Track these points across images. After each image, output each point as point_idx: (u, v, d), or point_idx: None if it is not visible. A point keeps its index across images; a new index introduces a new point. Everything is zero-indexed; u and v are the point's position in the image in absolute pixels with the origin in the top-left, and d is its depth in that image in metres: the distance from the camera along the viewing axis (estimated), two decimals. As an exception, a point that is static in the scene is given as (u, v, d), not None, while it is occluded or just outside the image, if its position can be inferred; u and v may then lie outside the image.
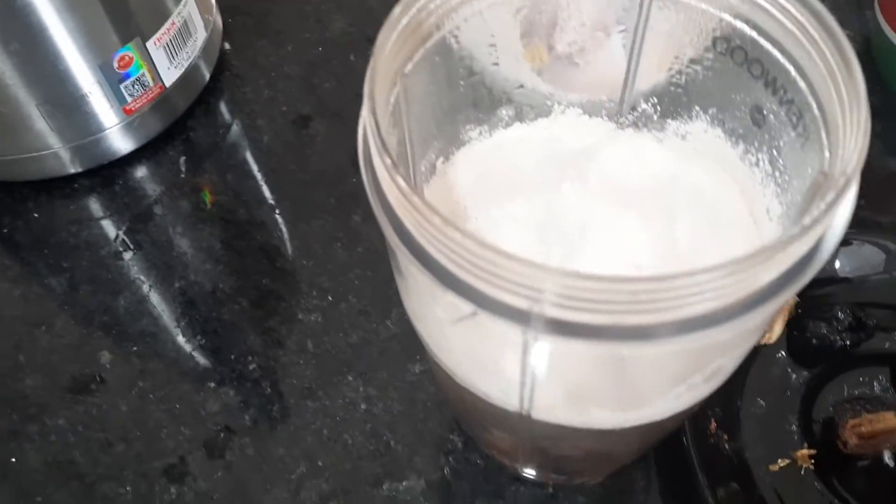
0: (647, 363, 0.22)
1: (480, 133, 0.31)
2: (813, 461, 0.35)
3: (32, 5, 0.40)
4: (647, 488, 0.36)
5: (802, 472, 0.35)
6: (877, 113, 0.42)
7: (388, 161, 0.20)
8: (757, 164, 0.28)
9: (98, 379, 0.41)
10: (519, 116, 0.31)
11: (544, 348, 0.21)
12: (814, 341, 0.38)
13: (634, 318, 0.19)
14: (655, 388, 0.23)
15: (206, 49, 0.50)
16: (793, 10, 0.23)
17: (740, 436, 0.36)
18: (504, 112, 0.31)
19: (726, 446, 0.35)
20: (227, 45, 0.54)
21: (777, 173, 0.27)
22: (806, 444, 0.36)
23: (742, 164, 0.28)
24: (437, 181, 0.30)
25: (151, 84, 0.46)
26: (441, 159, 0.31)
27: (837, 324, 0.38)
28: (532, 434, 0.27)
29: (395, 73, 0.24)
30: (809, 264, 0.20)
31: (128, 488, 0.38)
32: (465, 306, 0.20)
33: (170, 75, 0.47)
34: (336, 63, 0.53)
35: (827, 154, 0.23)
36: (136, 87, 0.46)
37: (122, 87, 0.45)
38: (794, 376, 0.38)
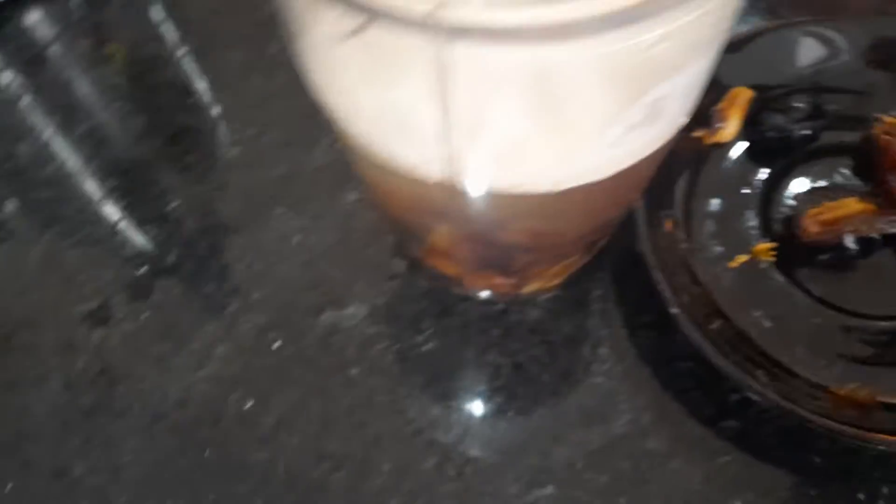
0: (574, 89, 0.19)
1: None
2: (774, 255, 0.33)
3: None
4: (605, 297, 0.34)
5: (762, 266, 0.33)
6: None
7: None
8: None
9: (5, 230, 0.37)
10: None
11: (458, 66, 0.18)
12: (771, 134, 0.35)
13: (555, 11, 0.16)
14: (588, 128, 0.20)
15: None
16: None
17: (697, 235, 0.34)
18: None
19: (682, 246, 0.33)
20: None
21: None
22: (767, 240, 0.34)
23: None
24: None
25: None
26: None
27: (795, 113, 0.35)
28: (466, 217, 0.24)
29: None
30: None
31: (48, 335, 0.35)
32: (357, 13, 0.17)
33: None
34: None
35: None
36: None
37: None
38: (752, 173, 0.35)
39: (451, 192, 0.23)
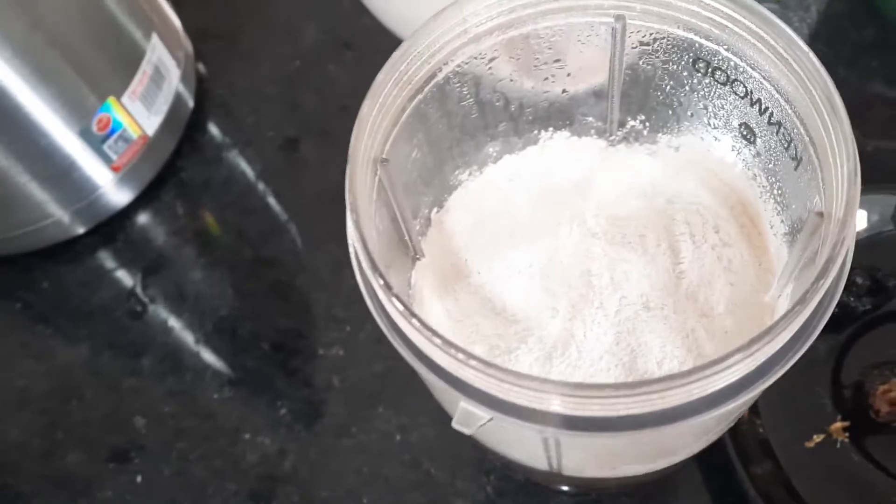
0: (665, 440, 0.22)
1: (470, 174, 0.31)
2: (847, 433, 0.35)
3: (8, 87, 0.39)
4: (689, 480, 0.37)
5: (839, 446, 0.35)
6: (874, 47, 0.41)
7: (382, 283, 0.20)
8: (755, 179, 0.27)
9: (137, 446, 0.42)
10: (507, 149, 0.31)
11: (563, 440, 0.21)
12: (835, 311, 0.37)
13: (650, 405, 0.19)
14: (679, 445, 0.23)
15: (183, 84, 0.49)
16: (766, 35, 0.23)
17: (772, 416, 0.36)
18: (491, 149, 0.30)
19: (760, 430, 0.36)
20: (201, 68, 0.53)
21: (776, 191, 0.26)
22: (839, 417, 0.36)
23: (740, 176, 0.28)
24: (434, 233, 0.30)
25: (135, 136, 0.46)
26: (434, 209, 0.30)
27: (856, 289, 0.37)
28: (567, 479, 0.27)
29: (373, 162, 0.24)
30: (812, 327, 0.20)
31: (185, 552, 0.39)
32: (482, 412, 0.20)
33: (151, 123, 0.47)
34: (315, 76, 0.52)
35: (822, 185, 0.22)
36: (119, 143, 0.45)
37: (105, 147, 0.45)
38: (818, 347, 0.37)
39: (553, 474, 0.26)
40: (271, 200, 0.48)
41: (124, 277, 0.47)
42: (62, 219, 0.46)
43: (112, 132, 0.45)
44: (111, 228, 0.49)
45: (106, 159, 0.45)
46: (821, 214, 0.21)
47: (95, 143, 0.44)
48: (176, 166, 0.50)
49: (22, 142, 0.42)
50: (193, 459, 0.41)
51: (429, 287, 0.28)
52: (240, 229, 0.47)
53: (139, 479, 0.41)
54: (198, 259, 0.47)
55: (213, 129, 0.51)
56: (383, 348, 0.42)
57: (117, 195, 0.47)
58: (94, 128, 0.44)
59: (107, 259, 0.48)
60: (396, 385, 0.41)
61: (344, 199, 0.46)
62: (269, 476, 0.40)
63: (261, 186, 0.49)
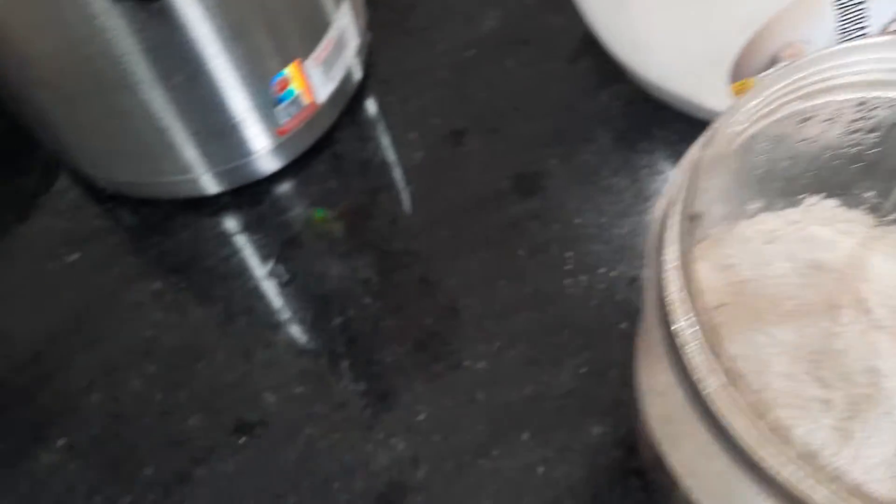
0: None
1: (718, 227, 0.28)
2: None
3: (200, 40, 0.37)
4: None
5: None
6: None
7: (724, 380, 0.17)
8: None
9: (263, 422, 0.40)
10: (767, 206, 0.28)
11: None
12: None
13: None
14: None
15: (356, 54, 0.47)
16: None
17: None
18: (752, 205, 0.28)
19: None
20: (369, 36, 0.51)
21: None
22: None
23: None
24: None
25: (306, 103, 0.44)
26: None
27: None
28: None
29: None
30: None
31: (302, 544, 0.37)
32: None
33: (324, 91, 0.45)
34: (490, 69, 0.50)
35: None
36: (290, 108, 0.43)
37: (276, 110, 0.43)
38: None
39: None
40: (428, 192, 0.46)
41: (266, 244, 0.45)
42: (209, 176, 0.45)
43: (286, 97, 0.43)
44: (258, 191, 0.47)
45: (273, 123, 0.43)
46: None
47: (268, 105, 0.42)
48: (332, 138, 0.48)
49: (198, 93, 0.40)
50: (321, 449, 0.39)
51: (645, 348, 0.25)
52: (393, 216, 0.45)
53: (263, 458, 0.39)
54: (345, 238, 0.45)
55: (375, 107, 0.49)
56: (534, 371, 0.40)
57: (272, 160, 0.46)
58: (272, 89, 0.42)
59: (251, 223, 0.46)
60: (545, 413, 0.39)
61: (503, 205, 0.44)
62: (400, 483, 0.38)
63: (420, 176, 0.47)
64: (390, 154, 0.47)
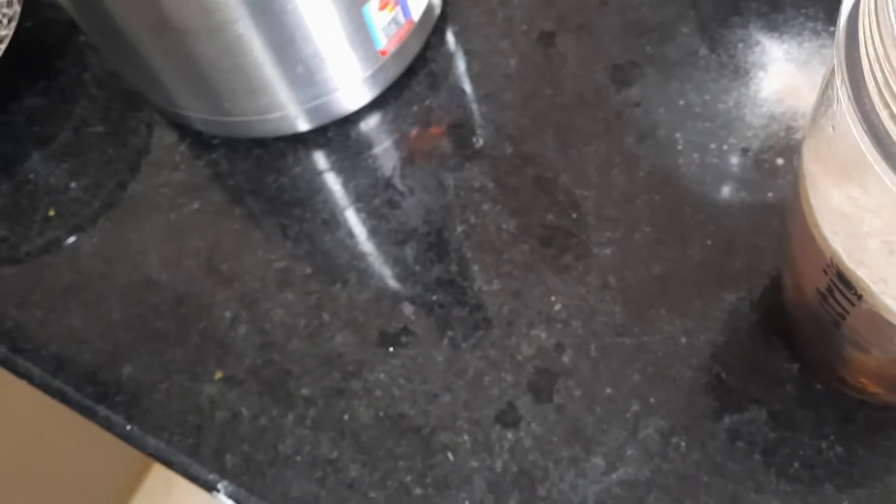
0: None
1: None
2: None
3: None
4: None
5: None
6: None
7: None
8: None
9: (407, 331, 0.41)
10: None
11: None
12: None
13: None
14: None
15: (439, -28, 0.48)
16: None
17: None
18: None
19: None
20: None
21: None
22: None
23: None
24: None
25: (403, 21, 0.45)
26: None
27: None
28: None
29: None
30: None
31: (465, 437, 0.39)
32: None
33: (418, 7, 0.46)
34: (569, -32, 0.50)
35: None
36: (391, 26, 0.44)
37: (376, 31, 0.44)
38: None
39: None
40: (529, 96, 0.47)
41: (380, 166, 0.46)
42: (320, 104, 0.46)
43: (388, 14, 0.43)
44: (362, 119, 0.48)
45: (378, 41, 0.44)
46: None
47: (366, 28, 0.43)
48: (426, 58, 0.49)
49: (302, 21, 0.41)
50: (466, 349, 0.41)
51: (823, 171, 0.26)
52: (498, 124, 0.46)
53: (412, 364, 0.41)
54: (456, 151, 0.46)
55: (462, 21, 0.50)
56: (661, 250, 0.41)
57: (372, 85, 0.47)
58: (378, 5, 0.43)
59: (362, 147, 0.47)
60: (679, 289, 0.40)
61: (603, 98, 0.45)
62: (548, 370, 0.39)
63: (517, 81, 0.47)
64: (485, 65, 0.48)
